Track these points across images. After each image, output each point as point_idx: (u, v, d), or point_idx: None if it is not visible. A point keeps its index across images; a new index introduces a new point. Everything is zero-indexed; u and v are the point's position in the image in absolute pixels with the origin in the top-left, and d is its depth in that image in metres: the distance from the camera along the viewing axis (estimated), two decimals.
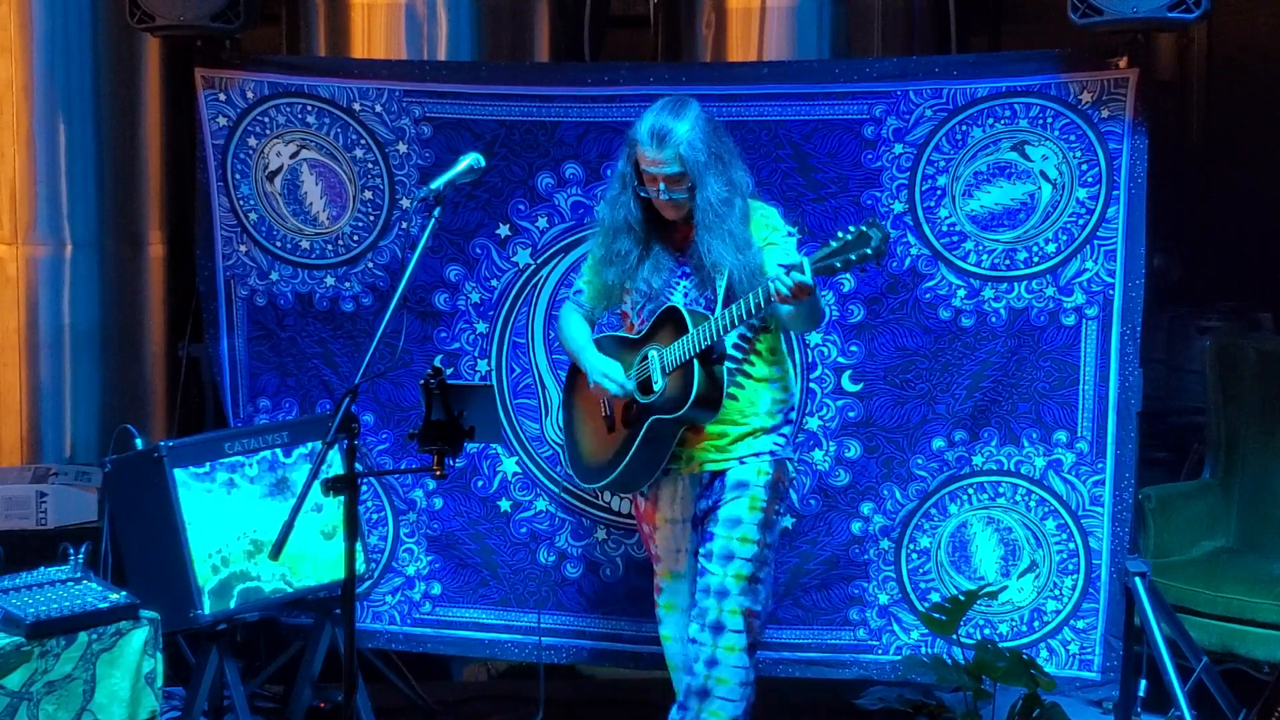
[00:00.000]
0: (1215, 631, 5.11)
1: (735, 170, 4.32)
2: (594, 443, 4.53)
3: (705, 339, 4.18)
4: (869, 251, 3.92)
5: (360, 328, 5.27)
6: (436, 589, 5.30)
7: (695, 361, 4.21)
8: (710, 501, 4.36)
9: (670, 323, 4.31)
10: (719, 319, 4.16)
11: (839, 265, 3.96)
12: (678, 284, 4.38)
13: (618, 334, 4.54)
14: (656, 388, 4.31)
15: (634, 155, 4.32)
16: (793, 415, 4.49)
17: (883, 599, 5.04)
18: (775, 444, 4.39)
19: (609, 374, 4.40)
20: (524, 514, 5.23)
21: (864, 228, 3.93)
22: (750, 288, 4.15)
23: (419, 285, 5.18)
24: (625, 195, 4.37)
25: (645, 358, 4.36)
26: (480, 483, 5.25)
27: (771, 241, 4.33)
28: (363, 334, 5.25)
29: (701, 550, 4.36)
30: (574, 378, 4.63)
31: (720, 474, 4.36)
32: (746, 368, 4.36)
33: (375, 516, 5.32)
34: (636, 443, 4.35)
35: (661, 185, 4.27)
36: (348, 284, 5.28)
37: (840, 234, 3.98)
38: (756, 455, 4.35)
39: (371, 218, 5.24)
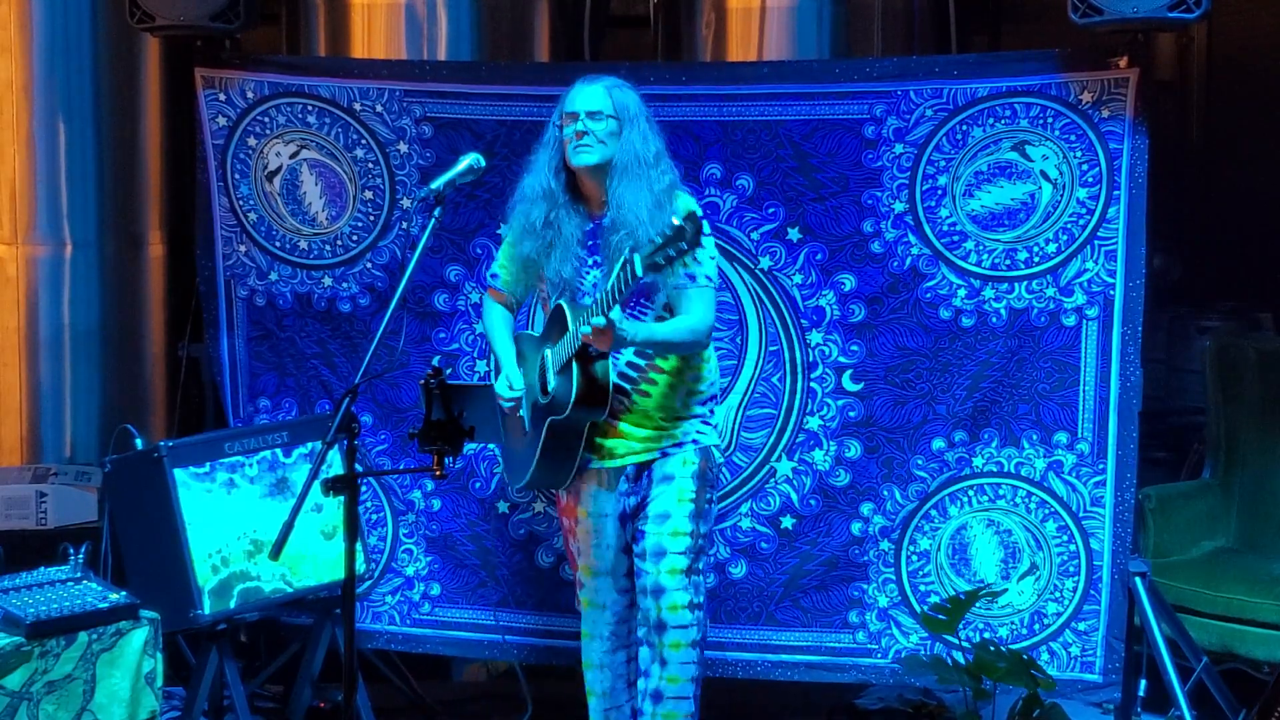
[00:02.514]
0: (1215, 631, 5.11)
1: (664, 154, 4.29)
2: (516, 442, 4.53)
3: (577, 339, 4.10)
4: (684, 245, 3.86)
5: (358, 328, 5.26)
6: (435, 590, 5.30)
7: (574, 361, 4.17)
8: (638, 497, 4.34)
9: (559, 320, 4.29)
10: (586, 314, 4.07)
11: (661, 261, 3.88)
12: (587, 274, 4.33)
13: (528, 332, 4.61)
14: (550, 388, 4.29)
15: (561, 116, 4.30)
16: (715, 405, 4.44)
17: (882, 601, 5.03)
18: (698, 432, 4.35)
19: (507, 382, 4.43)
20: (522, 515, 5.23)
21: (680, 222, 3.86)
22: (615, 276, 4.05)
23: (418, 286, 5.17)
24: (553, 159, 4.33)
25: (542, 358, 4.35)
26: (478, 484, 5.25)
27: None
28: (360, 335, 5.25)
29: (635, 549, 4.34)
30: None
31: (645, 467, 4.32)
32: (658, 361, 4.31)
33: (375, 517, 5.32)
34: (540, 443, 4.32)
35: (582, 117, 4.22)
36: (345, 284, 5.28)
37: (658, 232, 3.94)
38: (679, 445, 4.32)
39: (371, 218, 5.24)
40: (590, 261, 4.33)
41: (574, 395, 4.16)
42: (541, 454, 4.32)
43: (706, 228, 4.17)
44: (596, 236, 4.31)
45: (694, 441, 4.34)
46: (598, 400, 4.21)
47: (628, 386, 4.30)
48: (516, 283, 4.53)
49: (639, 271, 3.90)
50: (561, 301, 4.29)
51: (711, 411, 4.42)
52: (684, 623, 4.28)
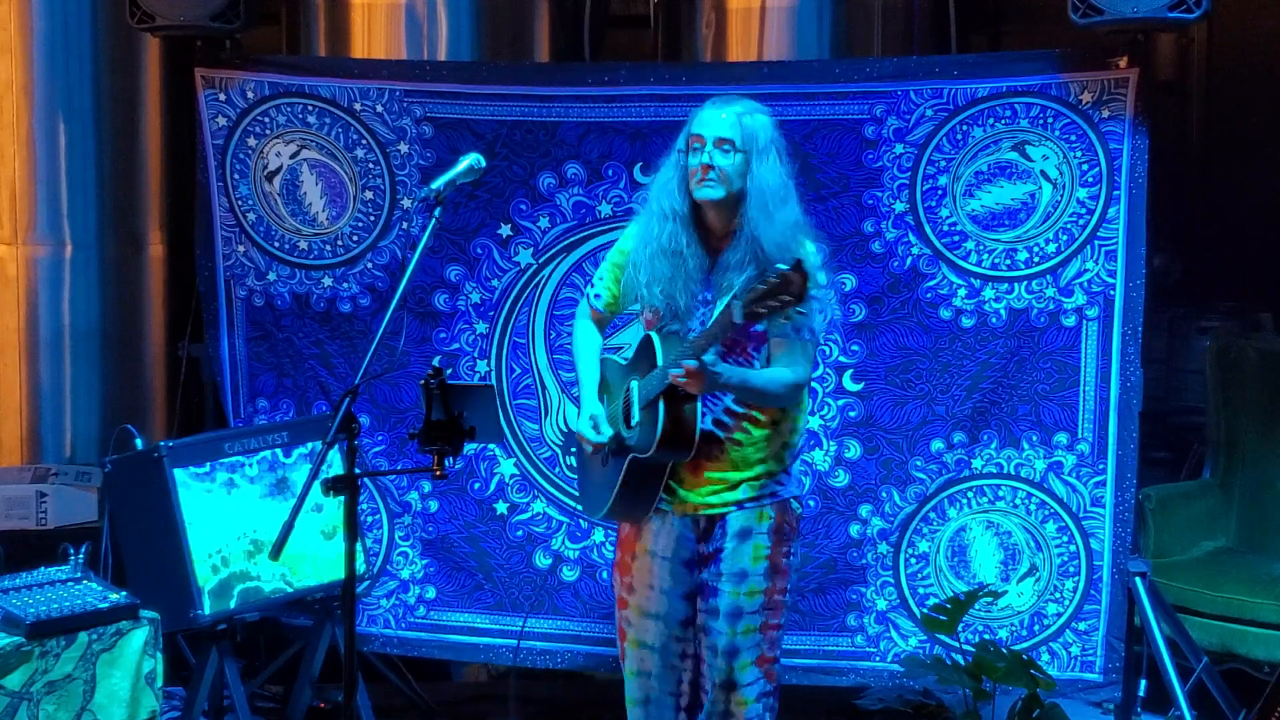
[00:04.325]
0: (1215, 631, 5.11)
1: (792, 188, 4.02)
2: (593, 472, 4.32)
3: (667, 377, 3.88)
4: (788, 297, 3.67)
5: (357, 329, 5.26)
6: (431, 593, 5.29)
7: (661, 401, 3.94)
8: (710, 548, 4.10)
9: (648, 350, 4.07)
10: (679, 356, 3.87)
11: (762, 311, 3.70)
12: (698, 309, 4.06)
13: (616, 357, 4.36)
14: (634, 423, 4.08)
15: (689, 131, 4.02)
16: (799, 461, 4.25)
17: (881, 604, 5.03)
18: (777, 484, 4.12)
19: (591, 420, 4.17)
20: (520, 516, 5.23)
21: (786, 270, 3.67)
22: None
23: (418, 286, 5.17)
24: (676, 176, 4.05)
25: (628, 389, 4.12)
26: (477, 485, 5.25)
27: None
28: (359, 335, 5.25)
29: (705, 605, 4.12)
30: None
31: (718, 519, 4.09)
32: (755, 412, 4.05)
33: (370, 520, 5.31)
34: (620, 478, 4.11)
35: (708, 147, 3.94)
36: (345, 284, 5.28)
37: (762, 278, 3.74)
38: (756, 500, 4.09)
39: (372, 218, 5.24)
40: (702, 297, 4.06)
41: (658, 436, 3.94)
42: (621, 488, 4.12)
43: (823, 278, 3.99)
44: (713, 271, 4.04)
45: (771, 495, 4.10)
46: (683, 443, 3.98)
47: (721, 435, 4.05)
48: (618, 303, 4.27)
49: (737, 319, 3.73)
50: (652, 333, 4.06)
51: (795, 460, 4.18)
52: (751, 679, 4.10)
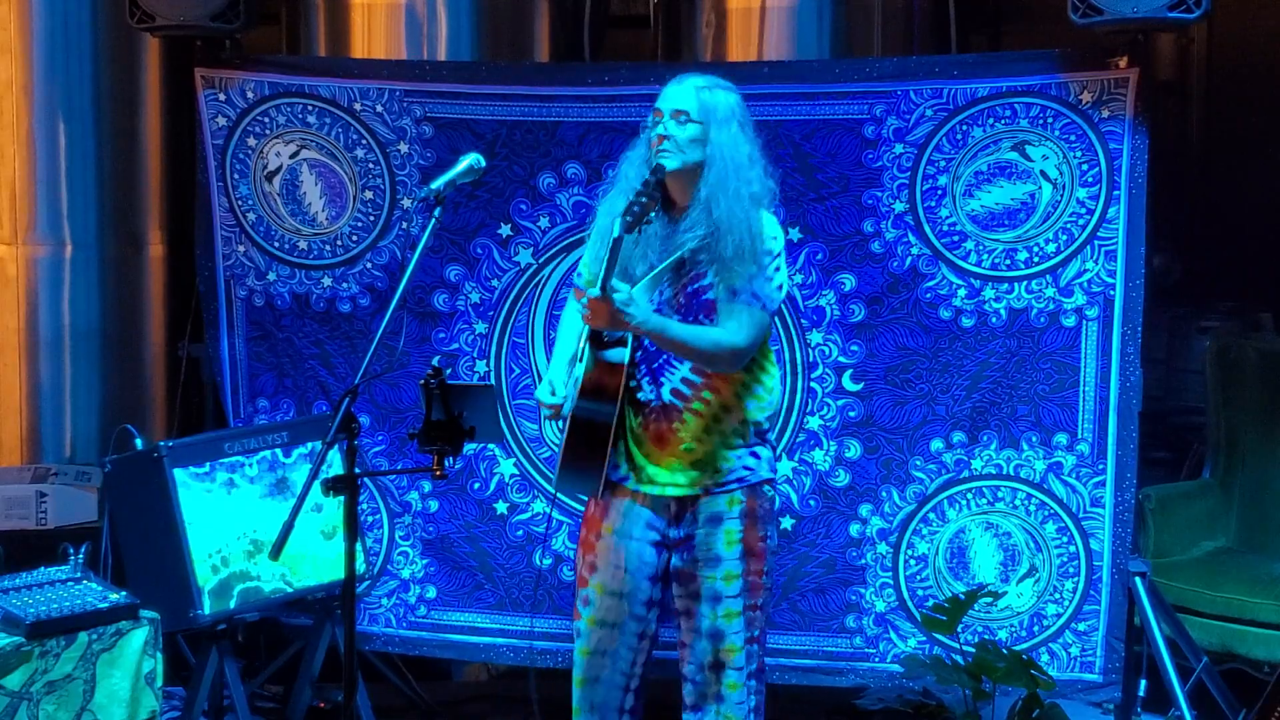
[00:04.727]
0: (1215, 631, 5.11)
1: (758, 160, 4.02)
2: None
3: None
4: (645, 199, 3.71)
5: (357, 329, 5.26)
6: (431, 592, 5.29)
7: (586, 345, 3.94)
8: (681, 533, 4.10)
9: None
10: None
11: (630, 219, 3.71)
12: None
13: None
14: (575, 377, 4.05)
15: (654, 120, 4.02)
16: (770, 436, 4.18)
17: (880, 606, 5.03)
18: (745, 469, 4.09)
19: (549, 387, 4.16)
20: (520, 516, 5.23)
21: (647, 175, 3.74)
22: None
23: (418, 286, 5.17)
24: (640, 151, 4.07)
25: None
26: (476, 485, 5.25)
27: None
28: (359, 335, 5.25)
29: (683, 590, 4.13)
30: None
31: (689, 504, 4.09)
32: (714, 381, 4.03)
33: (370, 519, 5.31)
34: (563, 440, 4.05)
35: (665, 119, 3.97)
36: (345, 284, 5.28)
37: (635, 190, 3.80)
38: (724, 485, 4.07)
39: (371, 218, 5.24)
40: (651, 263, 4.05)
41: (579, 386, 3.99)
42: (565, 451, 4.07)
43: (776, 245, 4.00)
44: (669, 238, 4.04)
45: (739, 480, 4.08)
46: (607, 390, 3.94)
47: (680, 405, 4.04)
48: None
49: (616, 232, 3.72)
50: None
51: (763, 441, 4.14)
52: (739, 664, 4.12)
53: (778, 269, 4.03)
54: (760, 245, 3.97)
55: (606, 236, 3.89)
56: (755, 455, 4.12)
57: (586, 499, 4.25)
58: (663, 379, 4.05)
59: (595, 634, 4.17)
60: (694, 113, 3.98)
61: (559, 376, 4.17)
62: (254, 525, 4.80)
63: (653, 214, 3.83)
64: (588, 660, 4.19)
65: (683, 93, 4.01)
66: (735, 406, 4.07)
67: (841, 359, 4.99)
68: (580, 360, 4.02)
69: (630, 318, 3.84)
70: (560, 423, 4.14)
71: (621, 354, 3.95)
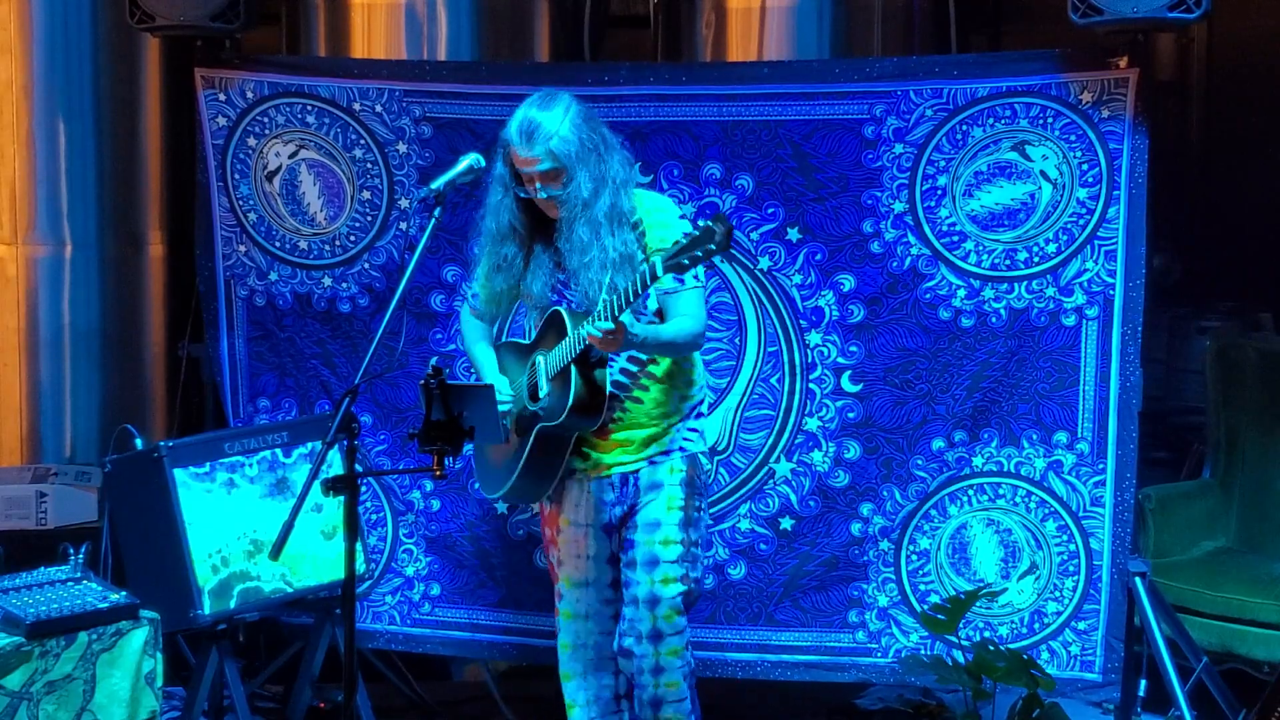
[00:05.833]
0: (1215, 631, 5.11)
1: (611, 161, 4.20)
2: (495, 451, 4.48)
3: (581, 342, 4.09)
4: (713, 246, 3.80)
5: (357, 329, 5.26)
6: (435, 590, 5.30)
7: (573, 367, 4.13)
8: (625, 506, 4.32)
9: (555, 326, 4.24)
10: (595, 317, 4.03)
11: (686, 263, 3.84)
12: (559, 289, 4.29)
13: (515, 340, 4.54)
14: (541, 394, 4.26)
15: (508, 155, 4.22)
16: (703, 409, 4.43)
17: (882, 601, 5.03)
18: (685, 439, 4.34)
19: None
20: (520, 516, 5.23)
21: (709, 223, 3.82)
22: (626, 278, 4.02)
23: (416, 286, 5.17)
24: (506, 199, 4.27)
25: (534, 364, 4.31)
26: (477, 484, 5.24)
27: (652, 224, 4.23)
28: (360, 335, 5.25)
29: (624, 558, 4.32)
30: None
31: (631, 476, 4.31)
32: (650, 368, 4.29)
33: (374, 517, 5.32)
34: (526, 452, 4.29)
35: (538, 184, 4.18)
36: (344, 285, 5.28)
37: (685, 232, 3.95)
38: (666, 453, 4.31)
39: (369, 218, 5.24)
40: (559, 277, 4.29)
41: (571, 401, 4.14)
42: (526, 463, 4.30)
43: (674, 214, 4.23)
44: (557, 253, 4.26)
45: (680, 449, 4.33)
46: (594, 409, 4.19)
47: (621, 394, 4.27)
48: (491, 309, 4.49)
49: (659, 273, 3.87)
50: (559, 308, 4.25)
51: (699, 416, 4.40)
52: (679, 629, 4.28)
53: (673, 231, 4.15)
54: (662, 217, 4.24)
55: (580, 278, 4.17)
56: (693, 429, 4.36)
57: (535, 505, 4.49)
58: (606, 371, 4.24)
59: (572, 628, 4.43)
60: (547, 163, 4.15)
61: (500, 379, 4.42)
62: (254, 525, 4.80)
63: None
64: (569, 654, 4.47)
65: (540, 156, 4.14)
66: (670, 387, 4.31)
67: (840, 360, 4.99)
68: (564, 376, 4.18)
69: (635, 337, 4.07)
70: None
71: (604, 374, 4.19)
